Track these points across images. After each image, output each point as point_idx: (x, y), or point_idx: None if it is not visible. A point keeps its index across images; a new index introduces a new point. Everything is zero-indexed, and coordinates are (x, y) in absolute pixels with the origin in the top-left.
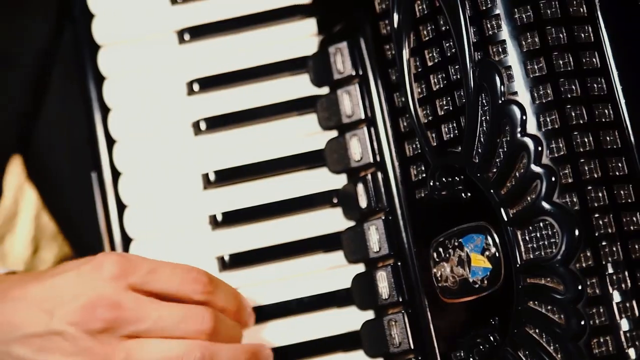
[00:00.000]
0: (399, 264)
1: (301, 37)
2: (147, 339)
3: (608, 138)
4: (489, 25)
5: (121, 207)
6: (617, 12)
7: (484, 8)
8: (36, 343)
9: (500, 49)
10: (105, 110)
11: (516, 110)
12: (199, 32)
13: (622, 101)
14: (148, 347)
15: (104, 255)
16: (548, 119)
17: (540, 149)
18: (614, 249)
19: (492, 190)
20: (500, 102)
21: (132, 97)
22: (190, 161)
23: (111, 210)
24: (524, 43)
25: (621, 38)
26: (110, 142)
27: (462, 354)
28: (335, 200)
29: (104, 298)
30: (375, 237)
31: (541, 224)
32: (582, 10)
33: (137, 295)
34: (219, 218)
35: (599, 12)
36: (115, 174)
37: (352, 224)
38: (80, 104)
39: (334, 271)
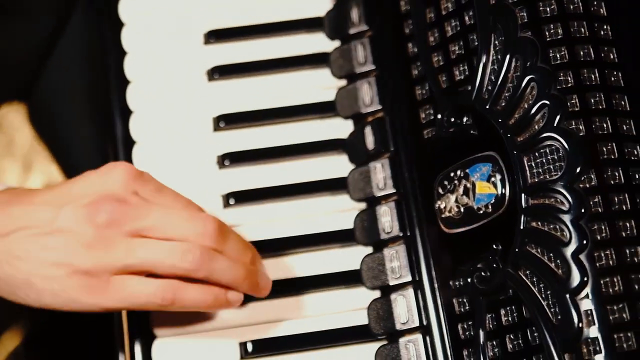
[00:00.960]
0: (402, 200)
1: None
2: (147, 239)
3: (612, 78)
4: None
5: (129, 143)
6: None
7: None
8: (41, 240)
9: None
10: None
11: (528, 46)
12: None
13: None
14: (149, 245)
15: (115, 163)
16: (557, 55)
17: (549, 79)
18: (616, 173)
19: (500, 120)
20: (513, 39)
21: (147, 44)
22: (202, 105)
23: (119, 146)
24: None
25: None
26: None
27: (461, 282)
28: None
29: (111, 195)
30: (380, 175)
31: (547, 150)
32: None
33: (143, 197)
34: (227, 158)
35: None
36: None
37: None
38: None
39: (339, 213)
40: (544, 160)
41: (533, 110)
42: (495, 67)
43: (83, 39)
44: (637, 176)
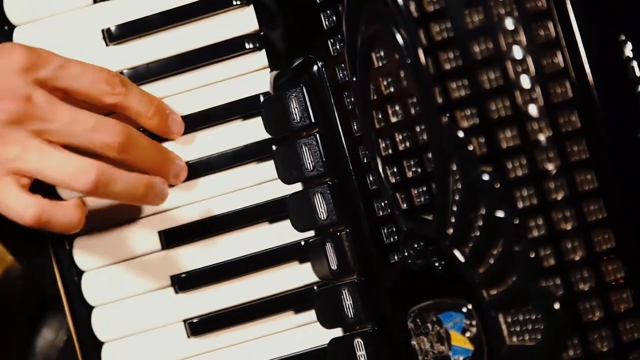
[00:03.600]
0: (377, 329)
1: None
2: (47, 145)
3: (592, 208)
4: (455, 87)
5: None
6: None
7: (449, 67)
8: None
9: (469, 114)
10: None
11: (490, 184)
12: (138, 74)
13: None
14: (45, 154)
15: (12, 45)
16: (525, 194)
17: (517, 226)
18: (604, 335)
19: (469, 269)
20: (472, 174)
21: None
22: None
23: None
24: (494, 108)
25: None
26: None
27: None
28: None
29: (13, 89)
30: (349, 301)
31: (523, 310)
32: (557, 61)
33: (48, 95)
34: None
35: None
36: None
37: None
38: None
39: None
40: (521, 319)
41: (503, 261)
42: (457, 199)
43: None
44: (627, 327)
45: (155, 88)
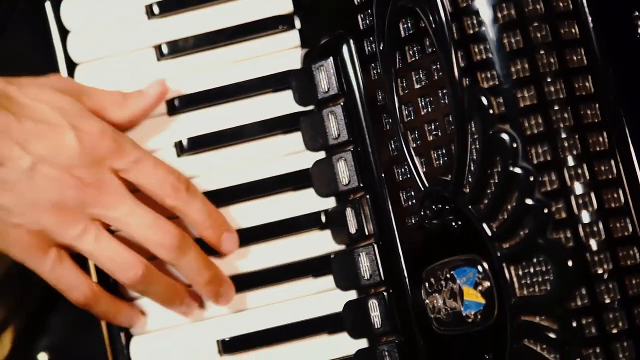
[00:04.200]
0: (392, 291)
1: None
2: (104, 232)
3: (603, 168)
4: (476, 50)
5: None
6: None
7: (472, 32)
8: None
9: (489, 76)
10: None
11: (507, 141)
12: (177, 47)
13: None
14: (101, 241)
15: (98, 126)
16: (540, 151)
17: (532, 181)
18: (610, 286)
19: (483, 224)
20: (490, 131)
21: None
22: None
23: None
24: (513, 70)
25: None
26: None
27: None
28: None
29: (91, 173)
30: (366, 263)
31: (535, 260)
32: (574, 31)
33: (119, 183)
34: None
35: (593, 37)
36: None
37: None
38: None
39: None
40: (532, 272)
41: (517, 215)
42: (475, 157)
43: None
44: (634, 282)
45: (193, 60)
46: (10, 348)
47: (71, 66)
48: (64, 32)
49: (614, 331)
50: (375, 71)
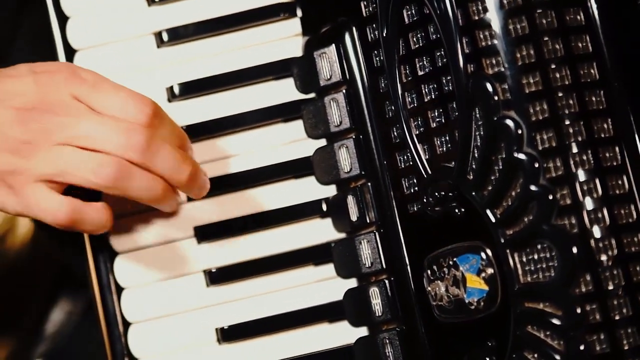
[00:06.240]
0: (393, 279)
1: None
2: (68, 147)
3: (607, 154)
4: (482, 36)
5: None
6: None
7: (477, 18)
8: None
9: (494, 62)
10: None
11: (512, 127)
12: (177, 34)
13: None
14: (65, 154)
15: (56, 63)
16: (545, 137)
17: (537, 167)
18: (615, 272)
19: (487, 210)
20: (494, 118)
21: None
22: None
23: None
24: (518, 56)
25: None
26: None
27: None
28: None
29: (46, 102)
30: (367, 251)
31: (539, 246)
32: (579, 18)
33: (79, 104)
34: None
35: (598, 23)
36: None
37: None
38: None
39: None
40: (536, 258)
41: (521, 201)
42: (479, 144)
43: None
44: (639, 274)
45: (193, 47)
46: (6, 357)
47: (70, 53)
48: (63, 19)
49: (618, 317)
50: (378, 58)
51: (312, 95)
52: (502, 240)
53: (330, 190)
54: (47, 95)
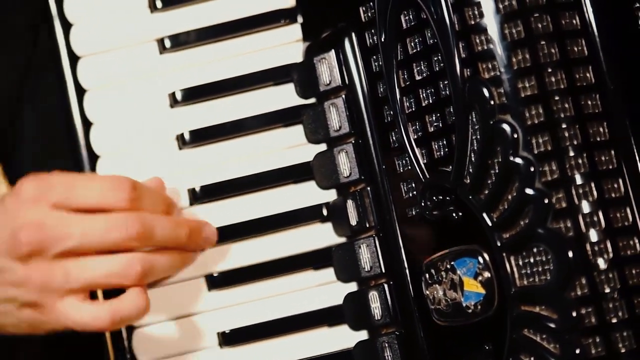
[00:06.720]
0: (392, 283)
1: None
2: (84, 257)
3: (603, 158)
4: (478, 41)
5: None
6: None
7: (473, 23)
8: None
9: (490, 66)
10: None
11: (508, 131)
12: (179, 40)
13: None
14: (87, 265)
15: (21, 181)
16: (541, 141)
17: (532, 171)
18: (610, 275)
19: (484, 214)
20: (491, 122)
21: (112, 109)
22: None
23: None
24: (514, 60)
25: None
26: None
27: None
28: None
29: (26, 222)
30: (366, 255)
31: (535, 250)
32: (574, 22)
33: (60, 213)
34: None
35: (594, 28)
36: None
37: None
38: None
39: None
40: (532, 261)
41: (517, 205)
42: (475, 148)
43: None
44: (634, 272)
45: (195, 53)
46: None
47: (74, 59)
48: (66, 26)
49: (614, 321)
50: (376, 63)
51: (312, 100)
52: (499, 244)
53: (331, 195)
54: (25, 212)
